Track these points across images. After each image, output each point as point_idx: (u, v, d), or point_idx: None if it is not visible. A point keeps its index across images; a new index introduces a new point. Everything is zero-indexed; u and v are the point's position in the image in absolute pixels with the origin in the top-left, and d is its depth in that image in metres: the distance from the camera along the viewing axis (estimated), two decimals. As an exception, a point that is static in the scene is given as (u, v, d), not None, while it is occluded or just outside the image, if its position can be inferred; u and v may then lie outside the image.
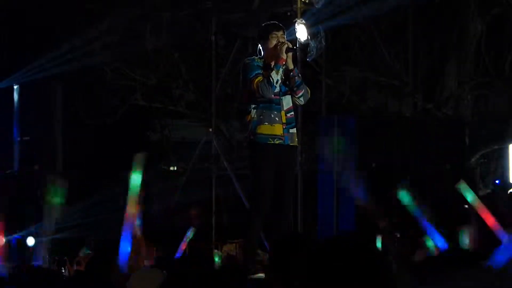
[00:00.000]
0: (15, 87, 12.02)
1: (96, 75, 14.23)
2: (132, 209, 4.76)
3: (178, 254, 6.06)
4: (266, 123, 6.86)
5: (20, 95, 11.98)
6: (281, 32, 6.98)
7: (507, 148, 12.59)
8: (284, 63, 6.82)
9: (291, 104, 6.98)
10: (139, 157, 4.82)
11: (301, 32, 8.32)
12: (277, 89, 6.87)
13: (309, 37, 7.94)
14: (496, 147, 13.10)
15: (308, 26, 8.24)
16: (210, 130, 11.48)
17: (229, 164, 11.35)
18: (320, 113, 11.67)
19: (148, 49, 13.78)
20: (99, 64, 13.76)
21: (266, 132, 6.86)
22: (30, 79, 12.28)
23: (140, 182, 4.79)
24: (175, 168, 16.17)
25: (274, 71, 6.78)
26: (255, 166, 6.91)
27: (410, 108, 14.08)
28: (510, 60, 13.71)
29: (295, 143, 7.02)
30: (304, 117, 10.35)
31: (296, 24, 8.41)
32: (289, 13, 10.22)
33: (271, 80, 6.75)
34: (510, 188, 11.76)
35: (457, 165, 11.75)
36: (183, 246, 6.02)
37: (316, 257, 3.16)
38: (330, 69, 13.00)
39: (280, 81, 6.84)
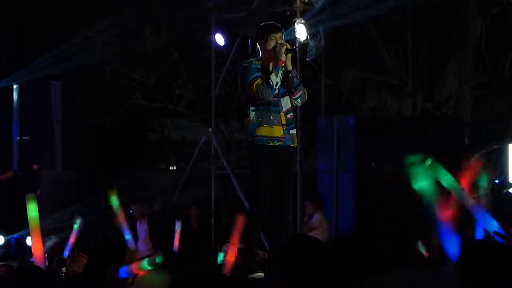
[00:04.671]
0: (15, 86, 11.99)
1: (96, 75, 14.24)
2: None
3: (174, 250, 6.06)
4: (266, 125, 6.79)
5: (19, 94, 11.95)
6: (279, 34, 6.85)
7: (506, 148, 12.57)
8: (283, 64, 6.73)
9: (289, 105, 6.92)
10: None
11: (301, 31, 8.32)
12: (276, 91, 6.81)
13: (308, 37, 7.93)
14: (495, 147, 13.08)
15: (308, 26, 8.25)
16: (210, 129, 11.48)
17: (228, 164, 11.35)
18: (320, 113, 11.66)
19: (148, 49, 13.79)
20: (99, 63, 13.77)
21: (266, 134, 6.81)
22: (29, 79, 12.26)
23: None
24: (175, 168, 16.19)
25: (273, 73, 6.68)
26: (255, 168, 6.86)
27: (410, 108, 14.07)
28: (510, 60, 13.71)
29: (295, 144, 7.00)
30: (303, 117, 10.34)
31: (295, 24, 8.41)
32: (288, 13, 10.21)
33: (271, 83, 6.67)
34: (510, 188, 11.75)
35: (457, 165, 11.74)
36: (176, 242, 6.03)
37: (328, 257, 3.18)
38: (330, 69, 12.99)
39: (279, 83, 6.76)
